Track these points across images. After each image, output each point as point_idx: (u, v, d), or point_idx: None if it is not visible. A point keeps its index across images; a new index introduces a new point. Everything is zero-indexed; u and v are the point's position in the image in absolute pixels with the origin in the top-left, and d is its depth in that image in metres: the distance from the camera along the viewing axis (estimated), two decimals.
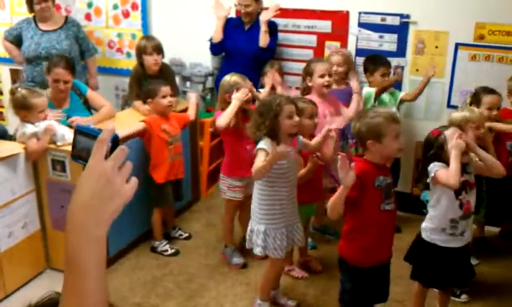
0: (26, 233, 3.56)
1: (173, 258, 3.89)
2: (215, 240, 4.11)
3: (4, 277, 3.42)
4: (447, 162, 2.75)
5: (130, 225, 3.92)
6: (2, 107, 6.06)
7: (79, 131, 1.03)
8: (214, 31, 4.68)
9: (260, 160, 2.87)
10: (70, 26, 4.81)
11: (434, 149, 2.84)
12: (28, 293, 3.40)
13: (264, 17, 4.56)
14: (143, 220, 3.99)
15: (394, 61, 4.41)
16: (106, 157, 0.94)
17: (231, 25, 4.71)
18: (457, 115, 3.17)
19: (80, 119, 3.83)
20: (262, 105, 3.06)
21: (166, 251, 3.95)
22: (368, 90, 4.17)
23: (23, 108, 3.53)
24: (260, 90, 4.15)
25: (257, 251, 3.12)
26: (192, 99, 4.18)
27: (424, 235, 2.93)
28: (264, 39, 4.55)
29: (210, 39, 4.73)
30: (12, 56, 4.98)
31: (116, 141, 0.97)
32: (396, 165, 4.15)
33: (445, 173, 2.73)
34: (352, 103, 3.97)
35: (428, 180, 2.84)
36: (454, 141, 2.73)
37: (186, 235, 4.20)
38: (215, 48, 4.78)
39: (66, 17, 4.93)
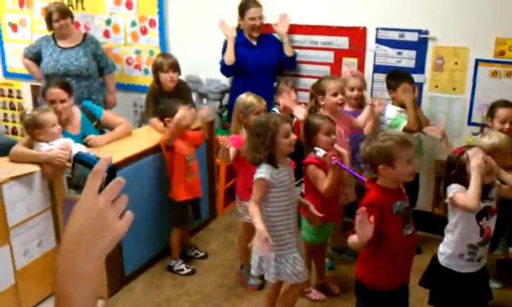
0: (42, 251, 3.56)
1: (189, 278, 3.86)
2: (232, 259, 4.07)
3: (19, 295, 3.42)
4: (468, 184, 2.66)
5: (147, 244, 3.92)
6: None
7: (77, 159, 1.00)
8: (227, 53, 4.60)
9: (257, 195, 2.84)
10: (88, 43, 4.85)
11: (455, 169, 2.75)
12: None
13: (282, 29, 4.56)
14: (159, 239, 3.97)
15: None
16: (101, 189, 0.91)
17: (236, 43, 4.62)
18: (485, 142, 3.04)
19: (95, 138, 3.83)
20: (259, 126, 2.97)
21: (182, 270, 3.92)
22: (399, 115, 4.03)
23: (35, 127, 3.50)
24: (275, 109, 4.11)
25: (270, 278, 3.00)
26: (202, 115, 4.14)
27: (440, 259, 2.84)
28: (288, 49, 4.57)
29: (222, 62, 4.66)
30: (31, 73, 5.03)
31: (112, 172, 0.94)
32: (414, 184, 4.08)
33: (464, 195, 2.64)
34: (364, 112, 3.92)
35: (446, 201, 2.77)
36: (474, 161, 2.64)
37: (202, 254, 4.17)
38: (227, 71, 4.71)
39: (85, 34, 4.97)
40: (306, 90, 4.62)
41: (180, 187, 3.79)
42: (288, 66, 4.66)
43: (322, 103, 3.75)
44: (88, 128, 3.94)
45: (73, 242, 0.88)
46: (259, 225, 2.72)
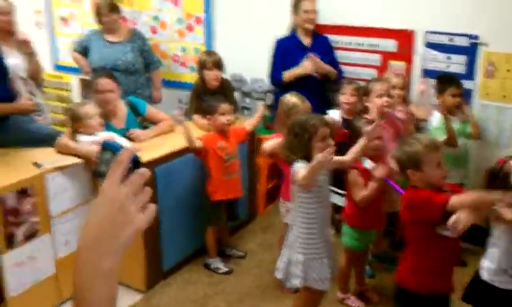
0: None
1: (226, 277, 3.85)
2: (270, 260, 4.01)
3: (60, 284, 3.47)
4: None
5: (186, 239, 3.93)
6: None
7: (105, 147, 0.98)
8: (290, 74, 4.42)
9: (302, 172, 2.74)
10: (135, 39, 4.90)
11: (498, 180, 2.64)
12: None
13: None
14: (198, 235, 3.97)
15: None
16: (125, 180, 0.87)
17: (288, 47, 4.55)
18: None
19: (138, 132, 3.86)
20: (297, 126, 2.89)
21: (219, 268, 3.91)
22: (440, 126, 3.93)
23: (75, 120, 3.58)
24: (330, 112, 4.03)
25: (296, 282, 2.92)
26: (259, 111, 4.04)
27: (483, 275, 2.71)
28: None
29: (277, 77, 4.55)
30: (80, 66, 5.11)
31: (136, 163, 0.91)
32: None
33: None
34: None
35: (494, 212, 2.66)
36: None
37: (241, 253, 4.15)
38: (278, 85, 4.60)
39: (133, 30, 5.02)
40: None
41: (215, 186, 3.77)
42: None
43: (367, 104, 3.69)
44: (132, 123, 3.98)
45: (92, 236, 0.84)
46: (315, 162, 2.62)
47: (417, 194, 2.50)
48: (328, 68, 4.39)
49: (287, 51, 4.54)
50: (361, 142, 3.07)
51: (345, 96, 4.11)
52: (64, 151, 3.56)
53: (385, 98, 3.63)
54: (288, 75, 4.44)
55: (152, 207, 0.90)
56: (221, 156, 3.74)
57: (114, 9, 4.82)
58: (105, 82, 3.85)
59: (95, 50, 4.85)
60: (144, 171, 0.89)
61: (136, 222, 0.86)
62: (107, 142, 0.99)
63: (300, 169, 2.76)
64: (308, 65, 4.34)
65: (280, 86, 4.56)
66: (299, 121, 2.93)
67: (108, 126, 3.79)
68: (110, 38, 4.84)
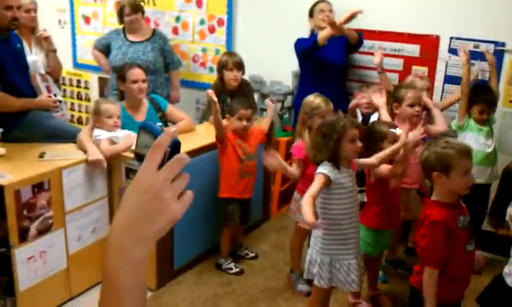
0: (95, 238, 3.60)
1: (237, 277, 3.81)
2: (282, 262, 3.99)
3: (70, 279, 3.48)
4: None
5: (198, 239, 3.91)
6: (89, 113, 6.28)
7: (143, 128, 0.92)
8: (324, 35, 4.24)
9: (314, 188, 2.72)
10: (156, 39, 4.91)
11: None
12: (92, 298, 3.44)
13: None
14: (211, 235, 3.96)
15: None
16: (162, 165, 0.83)
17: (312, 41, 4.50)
18: None
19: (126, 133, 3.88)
20: (326, 126, 2.88)
21: (231, 269, 3.87)
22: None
23: (95, 113, 3.64)
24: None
25: (323, 283, 2.90)
26: (269, 108, 4.03)
27: (508, 281, 2.61)
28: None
29: (310, 40, 4.42)
30: (100, 65, 5.14)
31: (176, 147, 0.86)
32: (482, 202, 3.87)
33: None
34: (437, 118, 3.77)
35: (507, 218, 2.58)
36: None
37: (253, 254, 4.11)
38: (309, 53, 4.42)
39: (154, 30, 5.03)
40: None
41: (225, 183, 3.76)
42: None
43: (396, 112, 3.60)
44: (152, 119, 4.01)
45: (124, 224, 0.81)
46: (309, 216, 2.56)
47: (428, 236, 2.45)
48: (347, 31, 4.27)
49: (309, 42, 4.45)
50: (393, 148, 3.03)
51: (366, 99, 4.09)
52: (78, 146, 3.59)
53: (417, 108, 3.54)
54: (321, 36, 4.28)
55: (189, 195, 0.85)
56: (238, 154, 3.72)
57: (137, 9, 4.84)
58: (138, 72, 3.92)
59: (116, 48, 4.87)
60: (184, 156, 0.85)
61: (171, 210, 0.82)
62: (147, 124, 0.93)
63: (316, 182, 2.76)
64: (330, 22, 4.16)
65: (313, 52, 4.37)
66: (328, 121, 2.93)
67: (131, 120, 3.85)
68: (131, 37, 4.86)
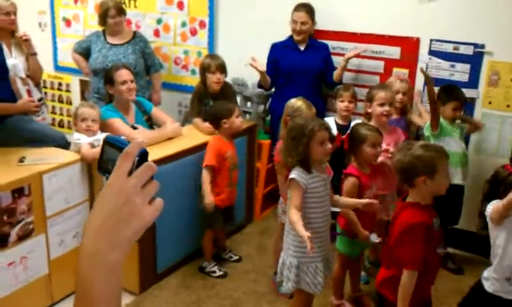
0: (77, 243, 3.56)
1: (221, 281, 3.81)
2: (266, 265, 3.99)
3: (52, 285, 3.44)
4: None
5: (181, 242, 3.90)
6: (70, 116, 6.23)
7: (107, 141, 0.94)
8: (264, 82, 4.59)
9: (297, 201, 2.74)
10: (137, 41, 4.89)
11: (502, 187, 2.56)
12: None
13: (347, 55, 4.43)
14: (194, 238, 3.94)
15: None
16: (130, 174, 0.84)
17: (282, 47, 4.60)
18: None
19: (142, 130, 3.89)
20: (295, 129, 2.86)
21: (214, 272, 3.87)
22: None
23: (73, 117, 3.69)
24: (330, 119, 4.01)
25: (288, 285, 2.91)
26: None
27: (486, 286, 2.62)
28: (339, 75, 4.48)
29: (260, 84, 4.67)
30: (80, 68, 5.11)
31: (144, 156, 0.88)
32: (458, 203, 3.93)
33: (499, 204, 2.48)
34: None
35: (488, 220, 2.59)
36: None
37: (236, 257, 4.11)
38: (262, 88, 4.72)
39: (135, 32, 5.01)
40: (358, 100, 4.47)
41: (221, 194, 3.76)
42: (327, 82, 4.60)
43: (369, 110, 3.65)
44: (139, 121, 4.04)
45: (97, 230, 0.81)
46: (302, 232, 2.57)
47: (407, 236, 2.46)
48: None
49: (279, 53, 4.58)
50: (352, 204, 3.07)
51: (344, 103, 4.14)
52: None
53: (386, 107, 3.58)
54: (263, 82, 4.60)
55: (159, 201, 0.87)
56: (227, 165, 3.75)
57: (122, 11, 4.82)
58: (125, 72, 3.93)
59: (96, 51, 4.84)
60: (152, 165, 0.86)
61: (143, 215, 0.84)
62: (111, 137, 0.95)
63: (293, 195, 2.76)
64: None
65: (263, 89, 4.71)
66: (297, 124, 2.89)
67: (121, 117, 3.88)
68: (112, 40, 4.84)
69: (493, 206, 2.52)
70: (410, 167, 2.47)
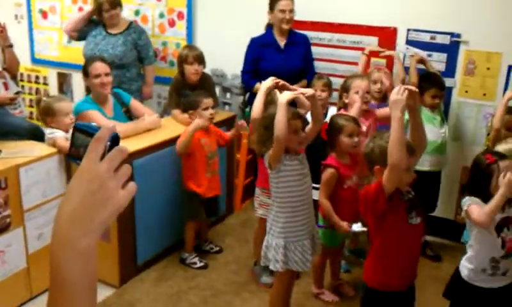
0: None
1: (201, 272, 3.81)
2: (246, 256, 4.00)
3: (31, 279, 3.42)
4: (490, 195, 2.48)
5: (161, 234, 3.89)
6: None
7: (77, 128, 0.92)
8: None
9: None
10: (130, 32, 4.82)
11: (481, 175, 2.58)
12: None
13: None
14: (174, 230, 3.94)
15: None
16: (103, 158, 0.83)
17: (262, 46, 4.52)
18: (502, 148, 2.88)
19: (120, 124, 3.84)
20: (267, 119, 2.86)
21: (195, 263, 3.87)
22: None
23: (48, 115, 3.56)
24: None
25: (276, 266, 2.91)
26: (239, 127, 4.04)
27: (463, 274, 2.67)
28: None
29: (245, 77, 4.60)
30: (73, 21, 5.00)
31: (115, 141, 0.87)
32: (435, 190, 3.97)
33: (478, 209, 2.49)
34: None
35: (463, 214, 2.63)
36: (507, 177, 2.42)
37: (217, 248, 4.12)
38: (247, 89, 4.67)
39: (130, 23, 4.94)
40: (336, 90, 4.44)
41: (199, 183, 3.75)
42: (307, 78, 4.53)
43: (346, 101, 3.66)
44: (118, 113, 3.99)
45: (70, 215, 0.80)
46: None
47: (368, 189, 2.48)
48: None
49: (260, 52, 4.52)
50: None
51: (317, 92, 4.11)
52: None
53: (361, 93, 3.59)
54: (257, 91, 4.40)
55: (132, 185, 0.85)
56: (204, 153, 3.73)
57: (116, 4, 4.75)
58: (100, 66, 3.86)
59: (91, 36, 4.81)
60: (123, 148, 0.85)
61: (116, 199, 0.82)
62: (81, 124, 0.93)
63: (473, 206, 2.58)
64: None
65: (249, 91, 4.62)
66: (269, 114, 2.89)
67: (99, 109, 3.81)
68: (109, 29, 4.80)
69: (473, 209, 2.51)
70: (372, 154, 2.51)
